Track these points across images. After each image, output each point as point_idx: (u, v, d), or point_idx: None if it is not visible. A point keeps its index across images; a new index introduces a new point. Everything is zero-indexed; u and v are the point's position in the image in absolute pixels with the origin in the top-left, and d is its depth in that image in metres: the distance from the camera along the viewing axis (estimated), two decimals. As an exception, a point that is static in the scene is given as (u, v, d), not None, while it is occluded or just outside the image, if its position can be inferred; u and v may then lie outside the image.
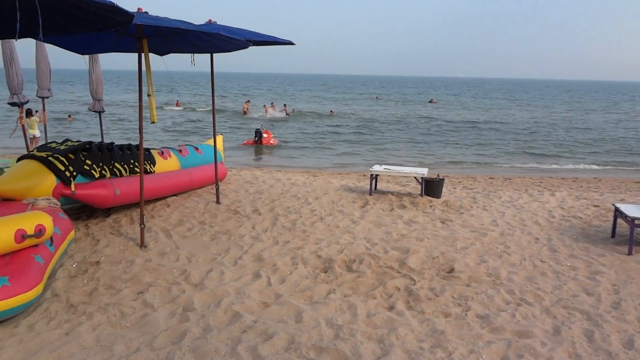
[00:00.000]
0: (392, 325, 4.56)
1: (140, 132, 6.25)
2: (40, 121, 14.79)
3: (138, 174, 7.93)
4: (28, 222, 4.80)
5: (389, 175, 11.56)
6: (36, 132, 14.85)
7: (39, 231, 4.88)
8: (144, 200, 8.03)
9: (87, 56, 8.93)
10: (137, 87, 6.11)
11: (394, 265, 6.06)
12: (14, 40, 8.27)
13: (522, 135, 27.92)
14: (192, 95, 65.34)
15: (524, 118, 40.10)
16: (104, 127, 10.58)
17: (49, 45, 7.43)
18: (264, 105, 38.18)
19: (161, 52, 7.73)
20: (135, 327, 4.51)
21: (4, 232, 4.56)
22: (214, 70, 8.28)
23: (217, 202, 8.74)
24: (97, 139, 9.54)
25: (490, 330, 4.54)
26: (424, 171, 9.94)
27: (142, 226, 6.47)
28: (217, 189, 8.72)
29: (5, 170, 8.52)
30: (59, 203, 6.40)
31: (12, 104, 8.58)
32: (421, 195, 9.69)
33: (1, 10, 4.38)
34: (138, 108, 6.17)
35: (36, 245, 5.01)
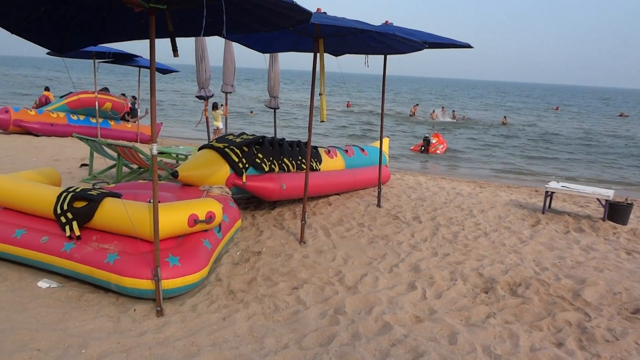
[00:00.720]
0: (560, 366, 4.04)
1: (309, 130, 6.36)
2: (223, 114, 16.04)
3: (304, 171, 8.12)
4: (200, 208, 5.10)
5: (566, 194, 10.54)
6: (220, 124, 16.13)
7: (209, 217, 5.16)
8: (308, 196, 8.22)
9: (267, 55, 9.41)
10: (310, 87, 6.21)
11: (565, 296, 5.42)
12: (205, 38, 8.97)
13: None
14: (363, 97, 66.56)
15: None
16: (276, 123, 11.08)
17: (235, 44, 7.91)
18: (433, 110, 37.54)
19: (336, 53, 7.82)
20: (287, 322, 4.56)
21: (179, 215, 4.89)
22: (387, 73, 8.18)
23: (378, 205, 8.64)
24: (271, 134, 9.98)
25: (685, 391, 3.81)
26: (609, 193, 8.86)
27: (303, 222, 6.59)
28: (379, 192, 8.63)
29: (188, 157, 9.31)
30: (230, 192, 6.76)
31: (199, 97, 9.33)
32: (603, 219, 8.64)
33: (192, 9, 4.69)
34: (309, 106, 6.29)
35: (206, 231, 5.31)
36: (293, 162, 7.91)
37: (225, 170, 7.01)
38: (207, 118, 9.69)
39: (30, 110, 14.87)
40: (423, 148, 20.99)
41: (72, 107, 15.46)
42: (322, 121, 6.26)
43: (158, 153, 9.78)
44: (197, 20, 4.93)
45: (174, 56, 4.32)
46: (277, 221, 7.55)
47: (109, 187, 6.56)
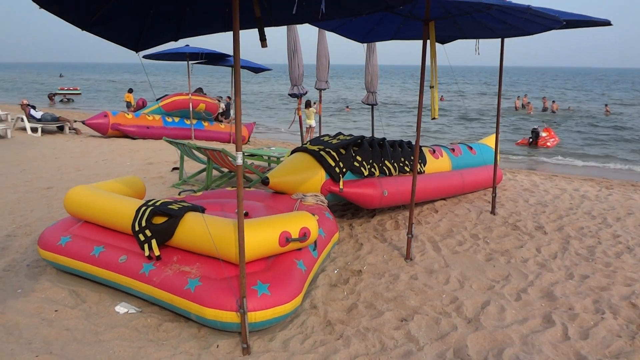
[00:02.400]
0: None
1: (418, 129, 5.45)
2: (316, 112, 15.42)
3: (407, 174, 7.22)
4: (293, 224, 4.38)
5: None
6: (312, 122, 15.53)
7: (304, 235, 4.42)
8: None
9: (365, 45, 8.58)
10: (419, 79, 5.30)
11: None
12: (298, 31, 8.29)
13: None
14: (452, 90, 63.94)
15: None
16: (376, 121, 10.22)
17: (330, 36, 7.15)
18: (529, 102, 34.88)
19: (444, 40, 6.84)
20: (397, 368, 3.72)
21: (269, 233, 4.19)
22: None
23: (492, 212, 7.55)
24: (369, 134, 9.14)
25: None
26: None
27: (410, 236, 5.70)
28: (494, 197, 7.53)
29: (281, 159, 8.70)
30: (326, 201, 6.02)
31: (292, 95, 8.68)
32: None
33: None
34: (418, 102, 5.38)
35: (299, 249, 4.58)
36: (395, 164, 7.03)
37: (320, 176, 6.27)
38: (300, 117, 9.02)
39: (128, 114, 15.03)
40: (531, 140, 19.26)
41: (167, 110, 15.49)
42: (433, 118, 5.34)
43: (248, 155, 9.25)
44: (289, 6, 4.19)
45: (262, 46, 3.61)
46: (377, 232, 6.71)
47: (195, 195, 6.04)
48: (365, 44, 8.56)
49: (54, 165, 10.62)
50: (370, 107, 9.80)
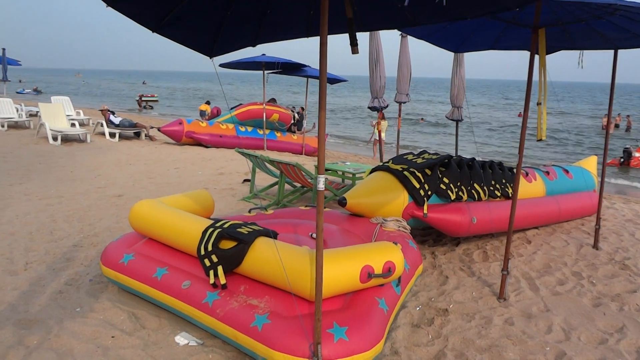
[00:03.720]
0: None
1: (521, 151, 4.75)
2: (390, 125, 14.77)
3: (498, 199, 6.49)
4: (377, 257, 3.82)
5: None
6: (383, 135, 14.92)
7: (388, 270, 3.85)
8: (500, 231, 6.62)
9: (453, 56, 7.95)
10: (525, 95, 4.61)
11: None
12: (381, 39, 7.76)
13: None
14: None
15: None
16: (460, 139, 9.51)
17: (413, 45, 6.57)
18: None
19: (548, 49, 6.09)
20: None
21: (349, 267, 3.65)
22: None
23: (595, 246, 6.67)
24: (454, 151, 8.43)
25: None
26: None
27: (505, 273, 4.99)
28: (597, 229, 6.65)
29: (357, 176, 8.15)
30: (409, 227, 5.41)
31: (372, 108, 8.14)
32: None
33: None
34: (522, 120, 4.70)
35: (381, 285, 4.01)
36: (485, 188, 6.32)
37: (402, 199, 5.67)
38: (379, 132, 8.46)
39: (202, 122, 15.00)
40: (623, 160, 17.83)
41: (240, 119, 15.35)
42: (540, 139, 4.63)
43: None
44: (383, 6, 3.66)
45: (353, 52, 3.10)
46: (464, 263, 6.02)
47: (266, 213, 5.60)
48: (454, 54, 7.92)
49: (127, 171, 10.59)
50: (455, 123, 9.09)
